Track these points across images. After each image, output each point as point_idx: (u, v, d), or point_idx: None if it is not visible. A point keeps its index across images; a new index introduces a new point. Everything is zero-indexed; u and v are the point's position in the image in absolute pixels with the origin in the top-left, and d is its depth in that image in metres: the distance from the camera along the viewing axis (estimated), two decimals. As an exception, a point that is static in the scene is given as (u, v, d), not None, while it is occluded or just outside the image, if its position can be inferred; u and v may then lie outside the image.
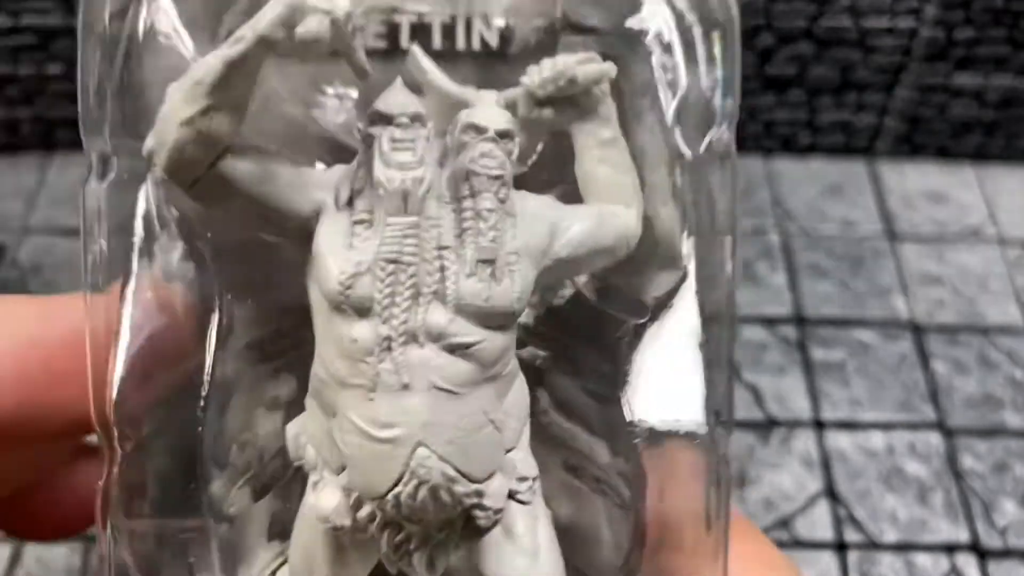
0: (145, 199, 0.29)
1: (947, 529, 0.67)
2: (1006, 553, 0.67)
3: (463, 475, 0.26)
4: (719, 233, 0.29)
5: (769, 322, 0.78)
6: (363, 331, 0.26)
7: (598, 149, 0.29)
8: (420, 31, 0.30)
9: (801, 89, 0.87)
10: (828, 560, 0.66)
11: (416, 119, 0.27)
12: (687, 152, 0.30)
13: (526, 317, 0.31)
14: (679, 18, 0.29)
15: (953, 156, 0.91)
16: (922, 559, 0.66)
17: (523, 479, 0.28)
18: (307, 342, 0.28)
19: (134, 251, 0.29)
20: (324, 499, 0.27)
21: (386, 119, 0.27)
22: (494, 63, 0.29)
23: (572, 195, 0.30)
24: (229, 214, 0.28)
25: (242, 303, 0.30)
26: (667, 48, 0.30)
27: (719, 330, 0.29)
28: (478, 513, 0.27)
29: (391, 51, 0.30)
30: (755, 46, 0.84)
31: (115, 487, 0.28)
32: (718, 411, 0.29)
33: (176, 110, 0.26)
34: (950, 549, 0.67)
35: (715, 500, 0.29)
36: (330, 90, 0.31)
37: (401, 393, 0.26)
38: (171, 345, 0.29)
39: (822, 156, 0.91)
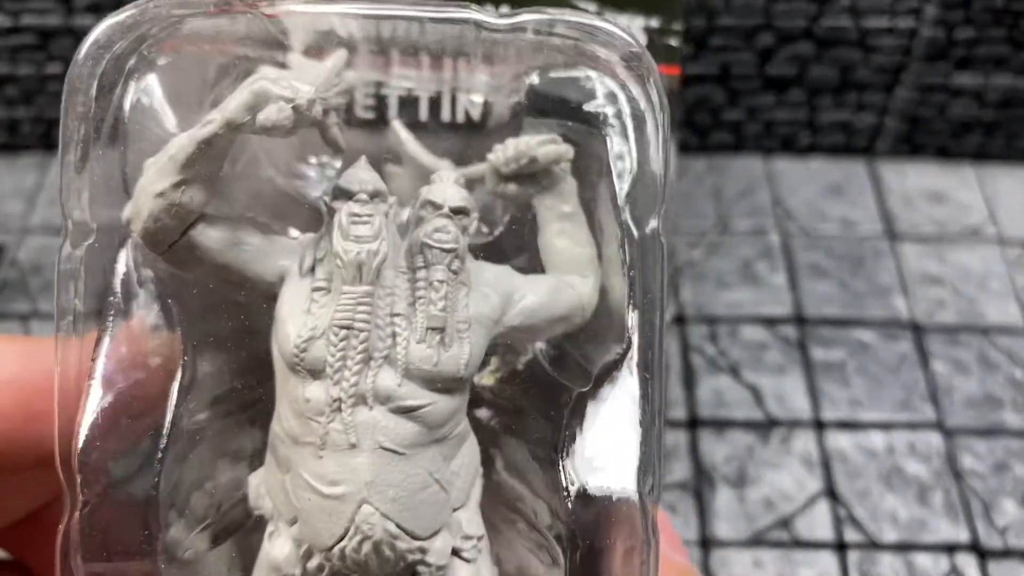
0: (125, 260, 0.30)
1: (947, 529, 0.67)
2: (1006, 553, 0.67)
3: (406, 532, 0.28)
4: (657, 309, 0.31)
5: (769, 322, 0.78)
6: (316, 392, 0.28)
7: (558, 222, 0.31)
8: (408, 104, 0.33)
9: (801, 89, 0.87)
10: (828, 560, 0.66)
11: (376, 195, 0.29)
12: (635, 231, 0.31)
13: (487, 379, 0.33)
14: (633, 104, 0.31)
15: (953, 156, 0.91)
16: (922, 559, 0.66)
17: (468, 537, 0.30)
18: (272, 397, 0.29)
19: (111, 307, 0.30)
20: (276, 548, 0.29)
21: (347, 194, 0.29)
22: (474, 135, 0.31)
23: (537, 261, 0.32)
24: (201, 277, 0.30)
25: (209, 358, 0.32)
26: (621, 132, 0.32)
27: (654, 402, 0.31)
28: (421, 569, 0.29)
29: (379, 122, 0.32)
30: (755, 46, 0.84)
31: (74, 531, 0.29)
32: (649, 479, 0.30)
33: (151, 183, 0.28)
34: (950, 549, 0.67)
35: (642, 567, 0.30)
36: (313, 160, 0.33)
37: (348, 452, 0.28)
38: (141, 399, 0.30)
39: (822, 156, 0.91)
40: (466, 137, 0.32)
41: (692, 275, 0.81)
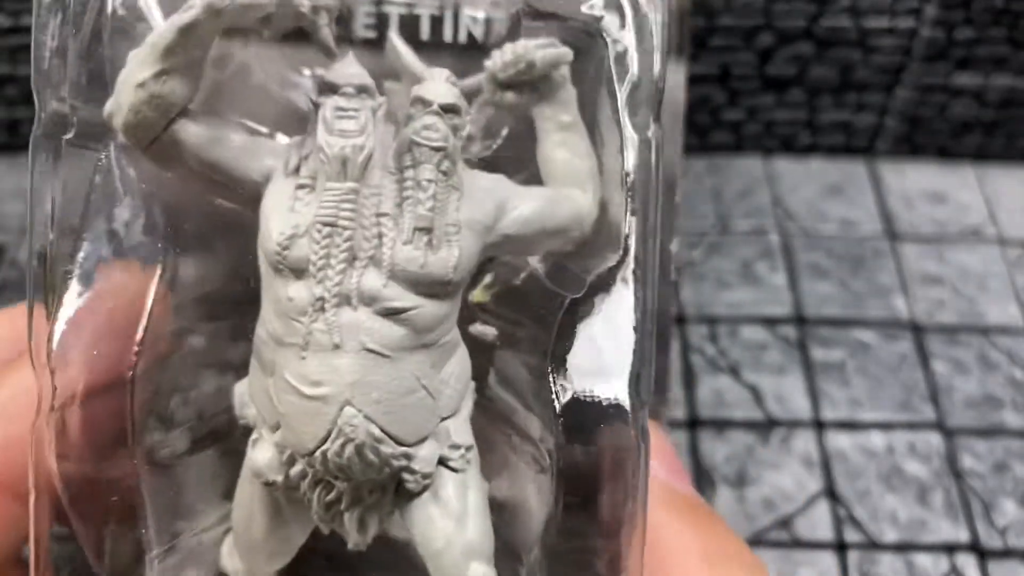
0: (109, 159, 0.29)
1: (947, 529, 0.67)
2: (1006, 553, 0.67)
3: (390, 436, 0.27)
4: (653, 214, 0.30)
5: (769, 322, 0.78)
6: (299, 291, 0.27)
7: (557, 133, 0.30)
8: (409, 22, 0.32)
9: (801, 89, 0.87)
10: (828, 560, 0.66)
11: (363, 91, 0.28)
12: (634, 136, 0.30)
13: (481, 296, 0.32)
14: (635, 5, 0.30)
15: (953, 156, 0.91)
16: (922, 559, 0.66)
17: (456, 447, 0.29)
18: (259, 307, 0.28)
19: (92, 206, 0.29)
20: (259, 454, 0.28)
21: (332, 88, 0.28)
22: (475, 55, 0.30)
23: (535, 181, 0.30)
24: (184, 177, 0.29)
25: (194, 261, 0.30)
26: (622, 35, 0.30)
27: (647, 308, 0.30)
28: (406, 476, 0.28)
29: (379, 41, 0.31)
30: (755, 46, 0.84)
31: (47, 430, 0.28)
32: (641, 385, 0.29)
33: (132, 74, 0.27)
34: (950, 549, 0.67)
35: (633, 476, 0.29)
36: (307, 71, 0.32)
37: (332, 353, 0.27)
38: (121, 299, 0.29)
39: (822, 156, 0.91)
40: (467, 57, 0.30)
41: (692, 275, 0.81)
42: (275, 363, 0.28)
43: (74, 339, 0.29)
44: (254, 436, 0.29)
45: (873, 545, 0.67)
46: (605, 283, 0.30)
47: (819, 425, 0.73)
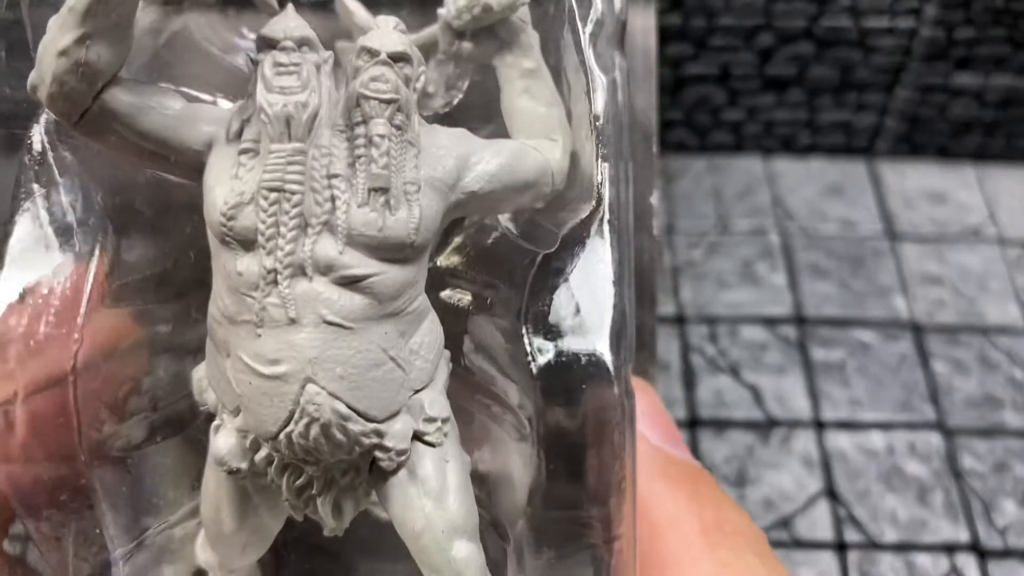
0: (39, 140, 0.28)
1: (947, 529, 0.67)
2: (1006, 553, 0.67)
3: (358, 413, 0.25)
4: (633, 154, 0.28)
5: (769, 322, 0.78)
6: (248, 264, 0.25)
7: (520, 80, 0.28)
8: None
9: (801, 89, 0.87)
10: (828, 560, 0.66)
11: (304, 43, 0.26)
12: (602, 78, 0.28)
13: (451, 259, 0.30)
14: None
15: (953, 156, 0.91)
16: (922, 559, 0.66)
17: (431, 420, 0.27)
18: (210, 285, 0.27)
19: (24, 190, 0.27)
20: (220, 441, 0.27)
21: (270, 43, 0.26)
22: (434, 5, 0.28)
23: (502, 134, 0.29)
24: (120, 150, 0.27)
25: (137, 241, 0.29)
26: None
27: (624, 260, 0.28)
28: (379, 455, 0.26)
29: (332, 3, 0.29)
30: (755, 46, 0.84)
31: None
32: (622, 341, 0.28)
33: (53, 40, 0.25)
34: (950, 549, 0.67)
35: (619, 437, 0.27)
36: (247, 31, 0.30)
37: (288, 328, 0.25)
38: (57, 287, 0.27)
39: (822, 156, 0.91)
40: (430, 11, 0.28)
41: (692, 275, 0.81)
42: (229, 342, 0.26)
43: (11, 333, 0.27)
44: (215, 422, 0.27)
45: (873, 545, 0.67)
46: (579, 236, 0.28)
47: (819, 425, 0.73)
